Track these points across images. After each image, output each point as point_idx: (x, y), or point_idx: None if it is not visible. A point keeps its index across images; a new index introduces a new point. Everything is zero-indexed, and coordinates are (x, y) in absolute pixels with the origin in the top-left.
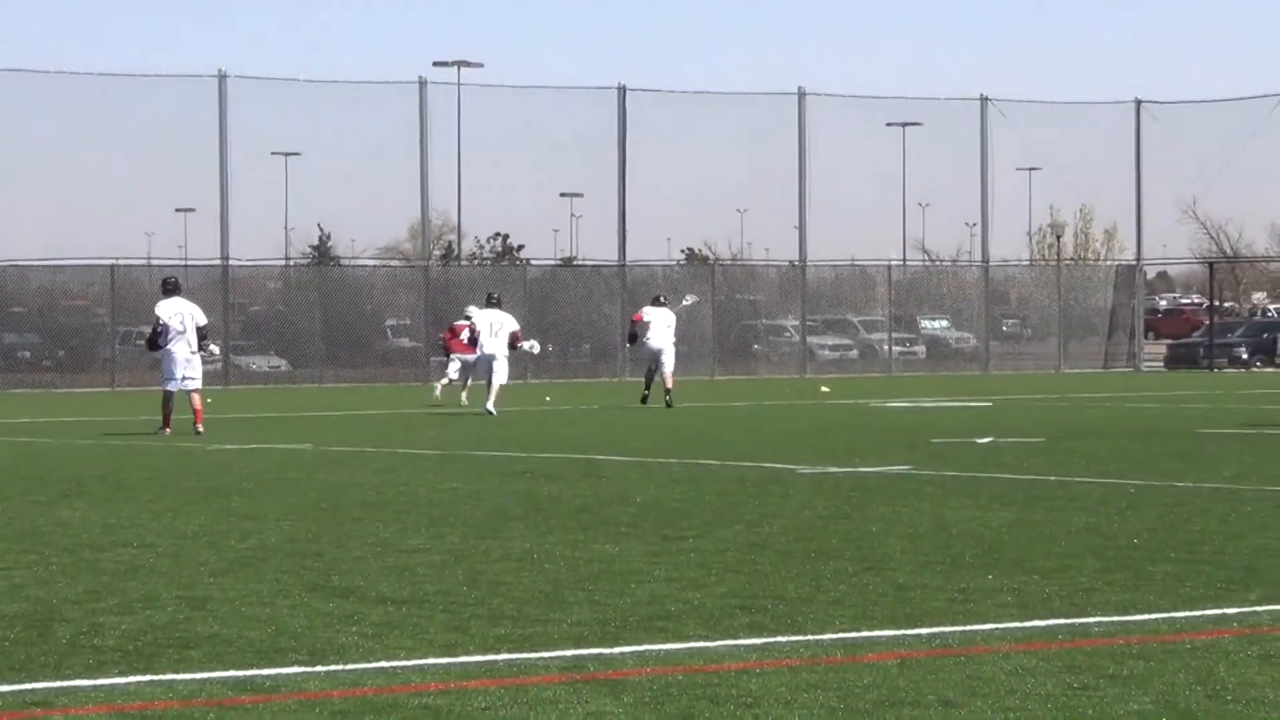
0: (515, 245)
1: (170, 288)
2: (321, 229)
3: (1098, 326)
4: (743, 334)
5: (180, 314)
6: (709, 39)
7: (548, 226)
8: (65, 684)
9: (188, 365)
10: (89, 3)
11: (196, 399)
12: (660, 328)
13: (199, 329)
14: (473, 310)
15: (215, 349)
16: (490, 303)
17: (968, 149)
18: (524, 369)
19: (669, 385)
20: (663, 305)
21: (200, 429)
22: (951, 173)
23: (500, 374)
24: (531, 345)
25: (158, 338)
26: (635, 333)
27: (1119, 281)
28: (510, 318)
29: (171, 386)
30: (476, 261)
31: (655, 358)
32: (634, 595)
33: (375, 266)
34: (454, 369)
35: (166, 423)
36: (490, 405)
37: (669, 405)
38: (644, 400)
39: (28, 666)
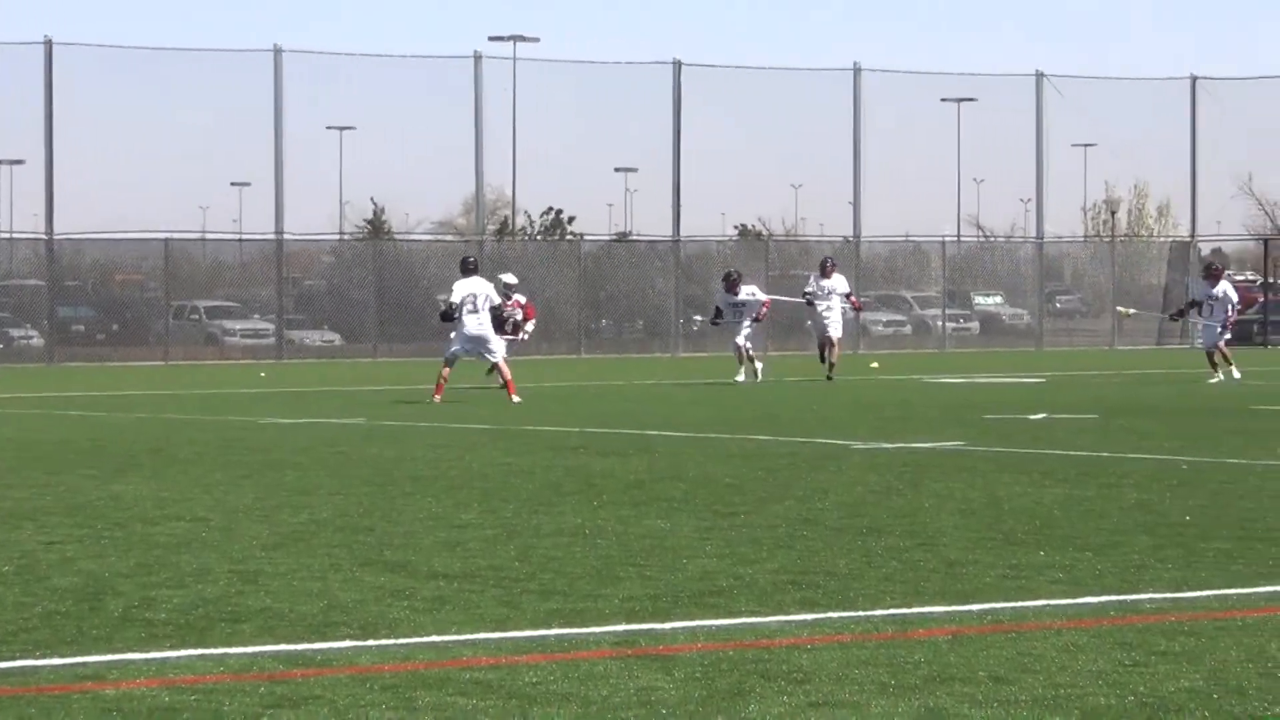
0: (567, 218)
1: (470, 267)
2: (375, 203)
3: (1152, 303)
4: (795, 310)
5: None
6: (764, 14)
7: (602, 201)
8: (117, 657)
9: None
10: None
11: None
12: (834, 299)
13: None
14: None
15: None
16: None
17: (1022, 125)
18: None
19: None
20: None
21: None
22: (1006, 149)
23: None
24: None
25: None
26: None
27: (1173, 258)
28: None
29: None
30: (528, 237)
31: (826, 330)
32: (685, 571)
33: (429, 241)
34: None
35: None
36: None
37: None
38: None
39: (80, 639)
